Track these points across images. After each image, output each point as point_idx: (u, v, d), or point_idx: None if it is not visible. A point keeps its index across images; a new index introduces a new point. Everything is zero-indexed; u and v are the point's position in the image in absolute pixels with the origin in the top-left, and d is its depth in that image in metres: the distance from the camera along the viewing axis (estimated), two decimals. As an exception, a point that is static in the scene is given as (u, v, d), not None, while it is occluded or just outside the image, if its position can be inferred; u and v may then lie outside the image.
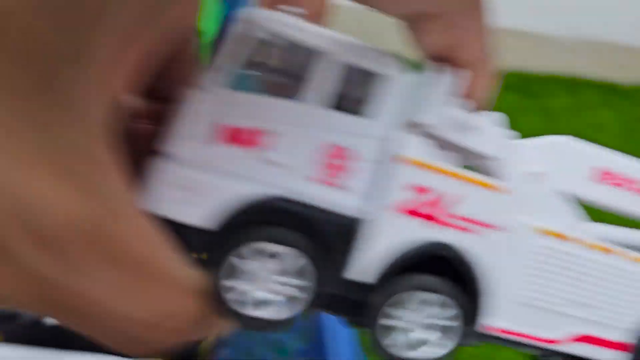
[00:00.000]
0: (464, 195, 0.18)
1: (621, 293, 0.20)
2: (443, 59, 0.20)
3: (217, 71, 0.17)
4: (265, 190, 0.17)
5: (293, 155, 0.17)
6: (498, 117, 0.20)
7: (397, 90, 0.18)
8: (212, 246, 0.17)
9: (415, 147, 0.18)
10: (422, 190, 0.18)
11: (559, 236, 0.20)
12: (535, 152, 0.21)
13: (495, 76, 0.20)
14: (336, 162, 0.17)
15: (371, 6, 0.18)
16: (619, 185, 0.22)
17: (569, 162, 0.21)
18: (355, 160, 0.17)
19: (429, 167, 0.18)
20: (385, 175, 0.18)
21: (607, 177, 0.21)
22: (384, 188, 0.18)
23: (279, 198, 0.17)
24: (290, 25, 0.18)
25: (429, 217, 0.18)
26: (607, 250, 0.20)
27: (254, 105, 0.17)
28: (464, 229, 0.18)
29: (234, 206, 0.17)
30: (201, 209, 0.17)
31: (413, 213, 0.18)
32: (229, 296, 0.17)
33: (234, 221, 0.17)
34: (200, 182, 0.17)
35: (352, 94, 0.19)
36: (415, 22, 0.19)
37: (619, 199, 0.22)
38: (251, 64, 0.18)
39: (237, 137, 0.17)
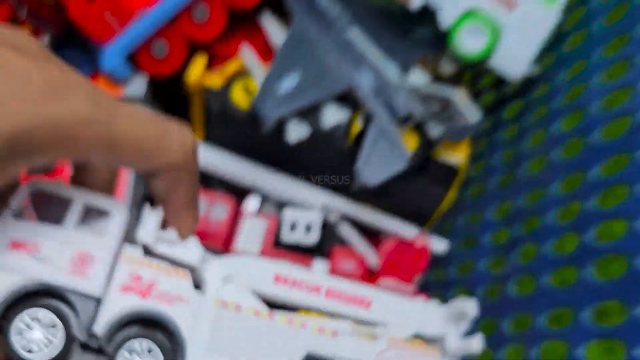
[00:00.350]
0: (161, 279, 0.29)
1: (283, 343, 0.30)
2: (160, 201, 0.30)
3: (10, 208, 0.28)
4: (35, 278, 0.27)
5: (54, 257, 0.27)
6: (196, 240, 0.31)
7: (120, 220, 0.29)
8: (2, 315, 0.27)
9: (134, 250, 0.29)
10: (135, 276, 0.29)
11: (230, 305, 0.30)
12: (226, 264, 0.31)
13: (196, 219, 0.30)
14: (82, 261, 0.28)
15: (124, 165, 0.27)
16: (293, 285, 0.32)
17: (252, 271, 0.32)
18: (95, 260, 0.28)
19: (140, 263, 0.29)
20: (115, 268, 0.28)
21: (283, 280, 0.32)
22: (114, 275, 0.28)
23: (44, 283, 0.27)
24: (57, 187, 0.29)
25: (141, 293, 0.28)
26: (267, 315, 0.30)
27: (32, 227, 0.28)
28: (163, 300, 0.29)
29: (16, 288, 0.27)
30: None
31: (132, 291, 0.28)
32: (16, 347, 0.26)
33: (16, 297, 0.27)
34: None
35: (98, 220, 0.29)
36: (152, 175, 0.28)
37: (295, 295, 0.32)
38: (45, 209, 0.29)
39: (19, 245, 0.27)
